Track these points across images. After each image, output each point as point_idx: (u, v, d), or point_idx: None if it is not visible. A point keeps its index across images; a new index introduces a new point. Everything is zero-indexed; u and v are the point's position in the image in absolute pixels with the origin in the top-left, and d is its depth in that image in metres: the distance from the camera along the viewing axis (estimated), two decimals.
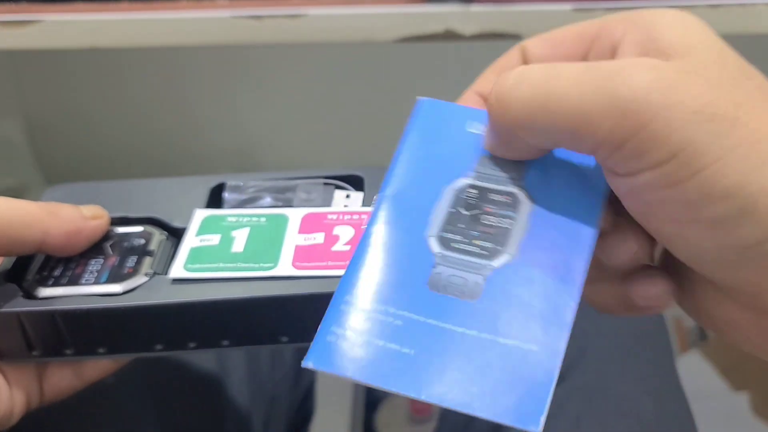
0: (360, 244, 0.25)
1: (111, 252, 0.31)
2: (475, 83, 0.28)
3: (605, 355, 0.44)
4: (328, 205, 0.33)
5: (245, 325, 0.29)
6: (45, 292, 0.29)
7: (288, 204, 0.34)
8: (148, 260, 0.31)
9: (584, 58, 0.25)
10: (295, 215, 0.32)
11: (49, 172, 1.11)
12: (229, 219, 0.32)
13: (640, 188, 0.21)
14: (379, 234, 0.25)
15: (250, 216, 0.32)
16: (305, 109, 1.09)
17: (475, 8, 0.49)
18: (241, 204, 0.34)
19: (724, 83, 0.21)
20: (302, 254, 0.30)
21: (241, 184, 0.35)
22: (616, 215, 0.25)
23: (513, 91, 0.23)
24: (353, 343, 0.23)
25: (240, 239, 0.31)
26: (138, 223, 0.33)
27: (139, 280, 0.30)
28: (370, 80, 1.06)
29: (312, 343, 0.23)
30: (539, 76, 0.22)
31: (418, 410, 1.00)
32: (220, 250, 0.30)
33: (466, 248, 0.24)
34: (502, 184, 0.25)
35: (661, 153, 0.20)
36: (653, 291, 0.25)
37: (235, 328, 0.29)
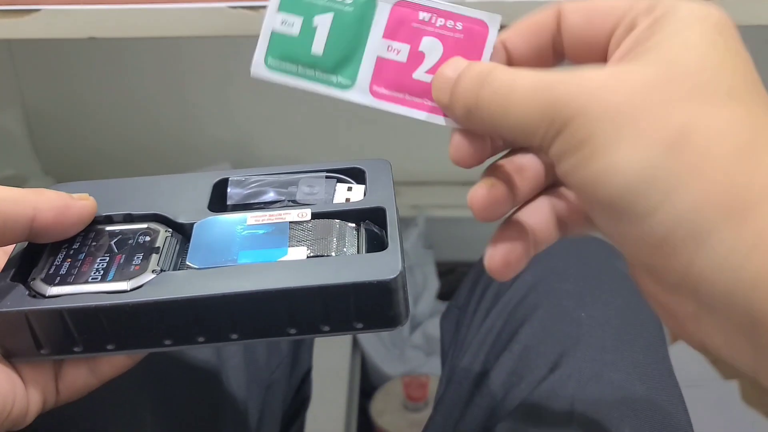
0: None
1: (117, 250, 0.31)
2: (506, 32, 0.30)
3: (599, 343, 0.44)
4: (331, 199, 0.34)
5: (254, 319, 0.29)
6: (52, 290, 0.30)
7: (291, 198, 0.34)
8: (154, 257, 0.31)
9: (611, 33, 0.27)
10: (383, 6, 0.29)
11: (48, 163, 1.11)
12: None
13: (565, 171, 0.25)
14: None
15: None
16: (302, 100, 1.09)
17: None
18: (245, 199, 0.34)
19: (656, 88, 0.24)
20: (383, 74, 0.29)
21: (244, 179, 0.35)
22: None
23: (477, 96, 0.27)
24: None
25: (321, 31, 0.29)
26: (142, 220, 0.33)
27: (146, 277, 0.30)
28: None
29: None
30: (501, 90, 0.26)
31: (413, 398, 1.01)
32: (300, 45, 0.29)
33: None
34: None
35: (573, 143, 0.24)
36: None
37: (244, 322, 0.30)
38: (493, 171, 0.30)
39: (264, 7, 0.50)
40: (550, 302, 0.48)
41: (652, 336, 0.47)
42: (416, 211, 1.14)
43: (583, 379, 0.42)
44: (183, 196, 0.34)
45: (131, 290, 0.29)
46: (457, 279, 1.19)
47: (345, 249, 0.31)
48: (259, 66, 0.29)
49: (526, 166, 0.30)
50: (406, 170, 1.16)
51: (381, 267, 0.29)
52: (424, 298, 1.12)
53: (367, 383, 1.08)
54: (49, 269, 0.31)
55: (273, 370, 0.53)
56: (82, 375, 0.32)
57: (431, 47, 0.29)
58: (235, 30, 0.51)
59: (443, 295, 1.14)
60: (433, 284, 1.14)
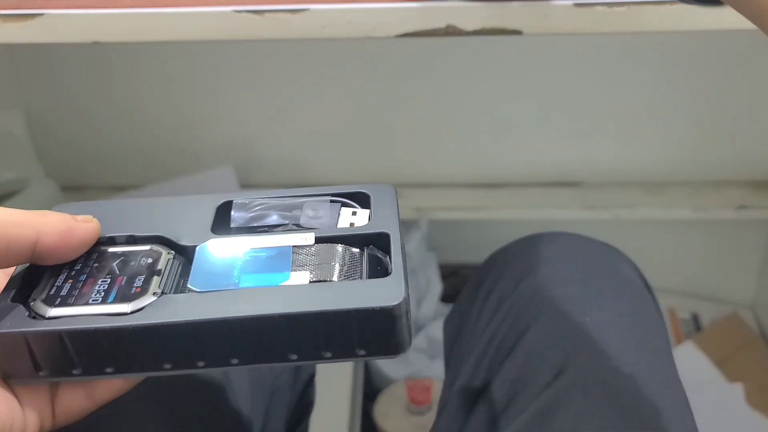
0: None
1: (118, 272, 0.31)
2: None
3: (604, 350, 0.44)
4: (335, 223, 0.34)
5: (255, 344, 0.29)
6: (52, 312, 0.29)
7: (295, 222, 0.34)
8: (156, 279, 0.31)
9: None
10: None
11: (50, 166, 1.11)
12: None
13: None
14: None
15: None
16: (304, 104, 1.09)
17: (476, 4, 0.49)
18: (249, 222, 0.34)
19: None
20: None
21: (248, 202, 0.35)
22: None
23: None
24: None
25: None
26: (145, 242, 0.33)
27: (148, 299, 0.29)
28: (370, 75, 1.06)
29: None
30: None
31: (417, 401, 1.01)
32: None
33: None
34: None
35: None
36: None
37: (245, 347, 0.29)
38: None
39: (270, 11, 0.50)
40: (554, 308, 0.48)
41: (656, 341, 0.46)
42: (419, 213, 1.14)
43: (587, 386, 0.42)
44: (186, 218, 0.34)
45: (132, 312, 0.29)
46: (461, 281, 1.19)
47: (348, 274, 0.31)
48: None
49: None
50: (409, 172, 1.16)
51: (384, 293, 0.29)
52: (427, 300, 1.12)
53: (370, 387, 1.08)
54: (49, 290, 0.30)
55: (277, 376, 0.53)
56: (79, 398, 0.31)
57: None
58: (241, 34, 0.51)
59: (446, 298, 1.14)
60: (436, 287, 1.14)
